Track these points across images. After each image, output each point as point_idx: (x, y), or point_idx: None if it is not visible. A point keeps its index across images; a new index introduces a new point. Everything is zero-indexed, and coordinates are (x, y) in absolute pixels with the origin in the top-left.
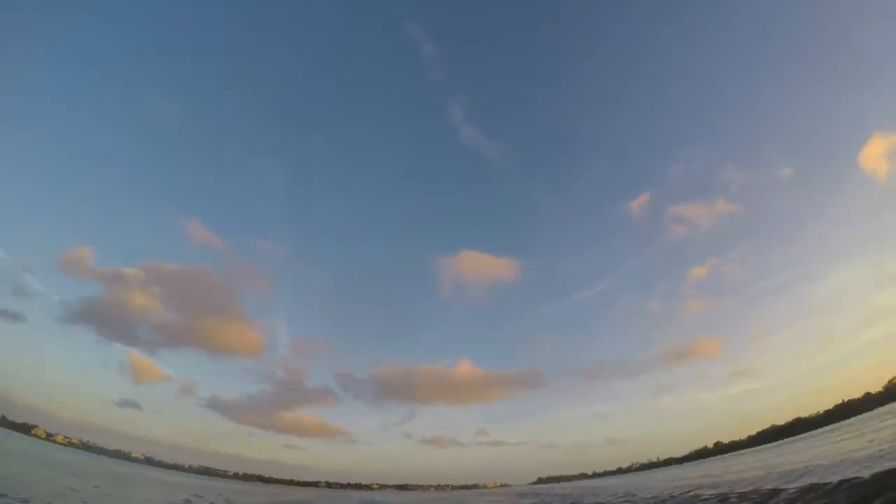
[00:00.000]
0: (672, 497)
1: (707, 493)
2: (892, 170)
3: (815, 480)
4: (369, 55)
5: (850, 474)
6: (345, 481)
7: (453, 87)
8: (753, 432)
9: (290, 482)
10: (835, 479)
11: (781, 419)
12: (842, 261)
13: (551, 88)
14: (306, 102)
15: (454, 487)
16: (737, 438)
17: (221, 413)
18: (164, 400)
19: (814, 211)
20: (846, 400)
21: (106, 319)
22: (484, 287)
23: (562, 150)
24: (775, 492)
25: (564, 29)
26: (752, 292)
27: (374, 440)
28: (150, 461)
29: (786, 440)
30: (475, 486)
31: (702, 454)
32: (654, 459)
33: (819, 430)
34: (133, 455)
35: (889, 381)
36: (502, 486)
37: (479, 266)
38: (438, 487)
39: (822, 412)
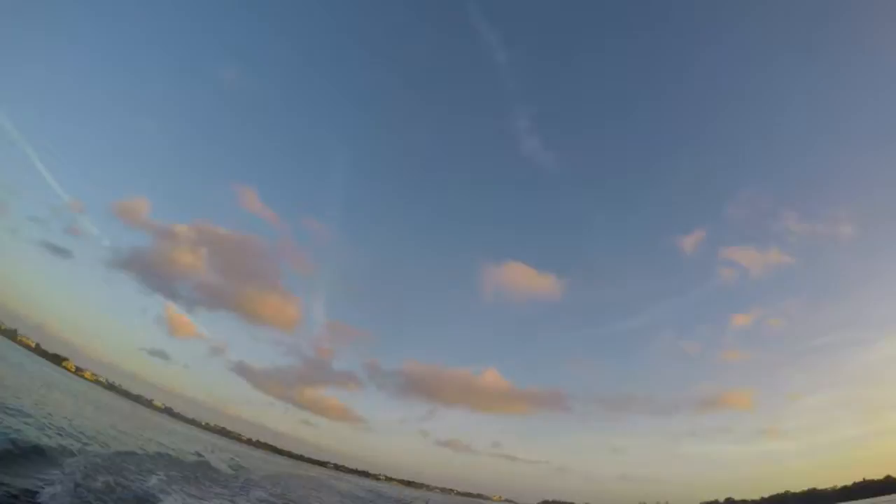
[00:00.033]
0: None
1: None
2: None
3: None
4: (443, 56)
5: None
6: (353, 466)
7: (522, 96)
8: (767, 494)
9: (300, 457)
10: None
11: (798, 486)
12: (892, 331)
13: (621, 110)
14: (376, 94)
15: (459, 493)
16: (748, 498)
17: (247, 379)
18: (193, 357)
19: (871, 274)
20: (866, 479)
21: (151, 270)
22: (524, 300)
23: (621, 174)
24: None
25: (642, 54)
26: (795, 349)
27: (389, 432)
28: (169, 412)
29: None
30: (480, 496)
31: None
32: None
33: None
34: (154, 403)
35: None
36: (507, 501)
37: (522, 279)
38: (444, 490)
39: (839, 487)
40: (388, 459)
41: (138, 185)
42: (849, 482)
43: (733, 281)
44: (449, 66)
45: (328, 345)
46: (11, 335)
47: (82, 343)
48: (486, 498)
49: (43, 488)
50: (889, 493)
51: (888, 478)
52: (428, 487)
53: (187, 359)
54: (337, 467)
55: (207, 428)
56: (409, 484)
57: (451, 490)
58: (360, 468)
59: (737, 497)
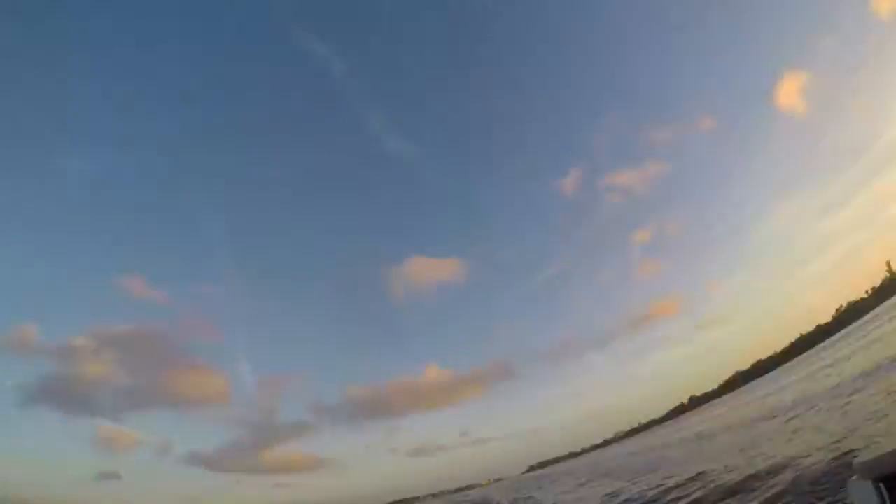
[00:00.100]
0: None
1: None
2: (808, 105)
3: None
4: (285, 85)
5: None
6: None
7: (369, 100)
8: (722, 381)
9: None
10: None
11: (746, 363)
12: (780, 199)
13: (466, 83)
14: (230, 142)
15: (450, 492)
16: (709, 389)
17: (204, 466)
18: (142, 465)
19: (743, 157)
20: (802, 335)
21: (65, 395)
22: (435, 290)
23: (485, 142)
24: None
25: (456, 17)
26: (699, 245)
27: (360, 462)
28: None
29: (749, 385)
30: (470, 487)
31: (679, 410)
32: (635, 425)
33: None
34: None
35: (836, 311)
36: (496, 480)
37: (425, 270)
38: (435, 495)
39: (778, 352)
40: (371, 489)
41: (19, 311)
42: (786, 343)
43: (622, 204)
44: (291, 91)
45: (268, 402)
46: None
47: (26, 496)
48: (478, 485)
49: None
50: (822, 340)
51: (818, 326)
52: (419, 499)
53: (137, 469)
54: None
55: None
56: (401, 503)
57: (443, 492)
58: None
59: (698, 393)
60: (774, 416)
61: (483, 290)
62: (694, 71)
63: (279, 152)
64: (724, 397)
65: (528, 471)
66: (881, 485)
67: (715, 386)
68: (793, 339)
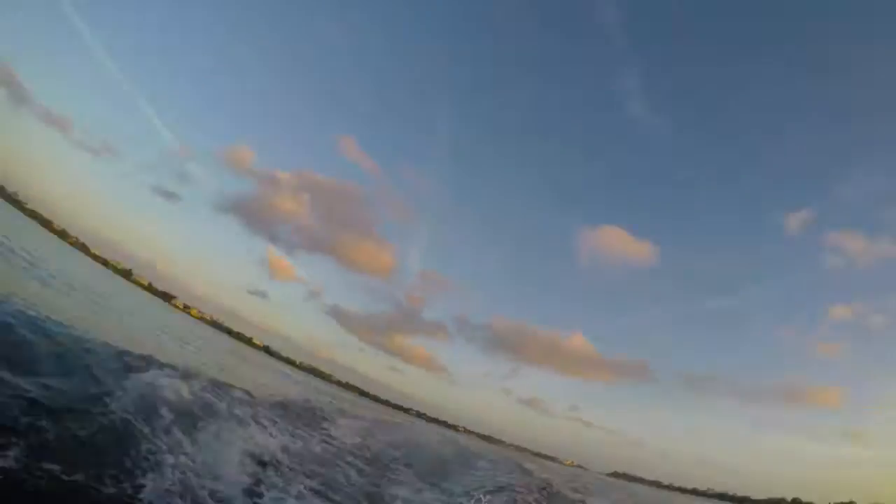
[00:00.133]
0: None
1: None
2: None
3: None
4: (548, 13)
5: None
6: (434, 416)
7: (631, 57)
8: (835, 501)
9: (385, 402)
10: None
11: (867, 498)
12: None
13: (736, 74)
14: (480, 50)
15: (533, 454)
16: (816, 501)
17: (340, 322)
18: (291, 298)
19: None
20: None
21: (254, 215)
22: (618, 266)
23: (730, 143)
24: None
25: (762, 14)
26: (893, 353)
27: (472, 386)
28: (267, 350)
29: None
30: (552, 459)
31: (777, 502)
32: (730, 493)
33: None
34: (253, 341)
35: None
36: (578, 466)
37: (617, 243)
38: (519, 449)
39: None
40: (469, 412)
41: (243, 133)
42: None
43: (837, 268)
44: (554, 21)
45: (420, 293)
46: (126, 275)
47: (187, 280)
48: (559, 461)
49: None
50: None
51: None
52: (504, 444)
53: (285, 299)
54: (419, 414)
55: (301, 367)
56: (486, 438)
57: (526, 449)
58: (441, 418)
59: (804, 499)
60: None
61: (662, 286)
62: None
63: (524, 79)
64: None
65: (611, 474)
66: None
67: (825, 502)
68: None
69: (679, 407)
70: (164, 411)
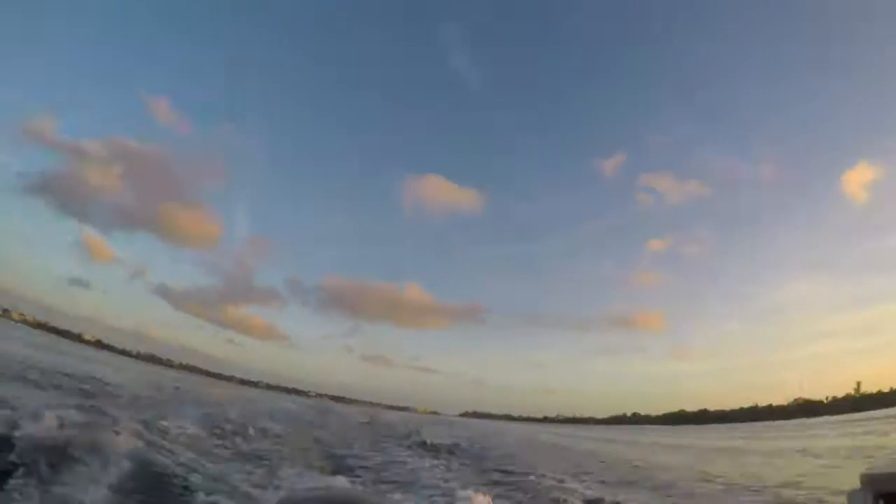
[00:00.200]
0: None
1: None
2: (869, 199)
3: None
4: None
5: None
6: (283, 385)
7: (452, 9)
8: (666, 411)
9: (232, 378)
10: None
11: (694, 405)
12: (802, 274)
13: (553, 28)
14: (298, 5)
15: (387, 407)
16: (651, 413)
17: (169, 301)
18: (113, 282)
19: (786, 215)
20: (754, 405)
21: (64, 193)
22: (444, 214)
23: (548, 92)
24: None
25: None
26: (706, 278)
27: (314, 349)
28: (99, 344)
29: (687, 426)
30: (406, 409)
31: (619, 420)
32: (576, 415)
33: (711, 426)
34: (84, 336)
35: (795, 399)
36: (432, 412)
37: (443, 192)
38: (372, 404)
39: (727, 409)
40: (315, 376)
41: (40, 100)
42: (737, 406)
43: (651, 206)
44: None
45: (250, 261)
46: None
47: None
48: (413, 410)
49: None
50: (769, 419)
51: (770, 406)
52: (357, 402)
53: (108, 285)
54: (269, 387)
55: (139, 357)
56: (338, 399)
57: (379, 404)
58: (291, 386)
59: (642, 412)
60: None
61: (489, 232)
62: (779, 115)
63: (342, 29)
64: (661, 427)
65: (462, 414)
66: (881, 501)
67: (660, 413)
68: (744, 406)
69: (515, 344)
70: None
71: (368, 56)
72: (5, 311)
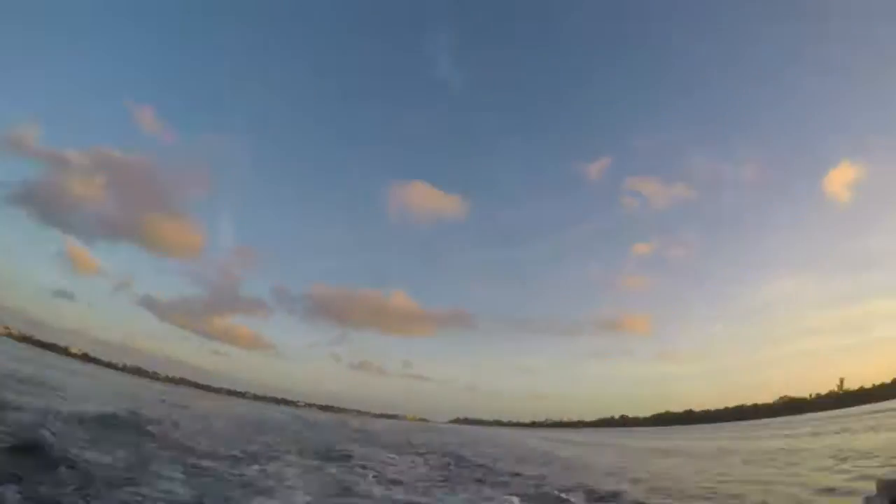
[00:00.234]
0: None
1: None
2: (852, 199)
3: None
4: None
5: None
6: (271, 395)
7: (440, 15)
8: (654, 412)
9: (220, 390)
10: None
11: (681, 406)
12: (786, 273)
13: (538, 34)
14: (284, 13)
15: (375, 415)
16: (639, 415)
17: (154, 312)
18: (98, 294)
19: (770, 216)
20: (740, 405)
21: (46, 203)
22: (429, 221)
23: (533, 98)
24: None
25: None
26: (692, 281)
27: (301, 358)
28: (86, 357)
29: (674, 427)
30: (395, 417)
31: (608, 423)
32: (565, 419)
33: (696, 426)
34: (70, 350)
35: (780, 397)
36: (421, 419)
37: (428, 199)
38: (360, 413)
39: (712, 409)
40: (303, 385)
41: (22, 109)
42: (728, 405)
43: (637, 210)
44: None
45: (235, 271)
46: None
47: None
48: (402, 418)
49: None
50: (756, 418)
51: (755, 405)
52: (345, 411)
53: (92, 296)
54: (256, 397)
55: (125, 370)
56: (326, 409)
57: (368, 413)
58: (279, 396)
59: (630, 415)
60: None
61: (475, 237)
62: (763, 118)
63: (331, 37)
64: (649, 429)
65: (453, 421)
66: None
67: (647, 414)
68: (729, 406)
69: (504, 349)
70: None
71: (353, 65)
72: None
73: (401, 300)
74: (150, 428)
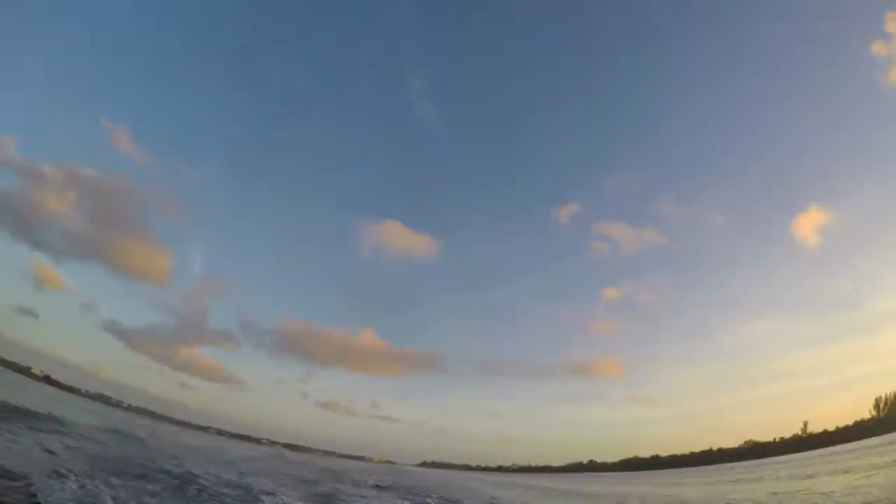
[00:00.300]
0: None
1: None
2: (821, 243)
3: None
4: (342, 20)
5: None
6: (235, 431)
7: (413, 55)
8: (622, 458)
9: (183, 423)
10: None
11: (649, 451)
12: (755, 316)
13: (511, 81)
14: (261, 43)
15: (341, 456)
16: (608, 460)
17: (120, 338)
18: (63, 314)
19: (739, 261)
20: (708, 448)
21: (16, 217)
22: (402, 261)
23: (505, 144)
24: None
25: (538, 26)
26: (662, 325)
27: (267, 393)
28: (48, 379)
29: (642, 472)
30: (361, 458)
31: (576, 468)
32: (532, 464)
33: (662, 471)
34: (33, 371)
35: (745, 441)
36: (388, 462)
37: (400, 238)
38: (326, 453)
39: (677, 454)
40: (268, 421)
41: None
42: (695, 449)
43: (607, 255)
44: (347, 28)
45: (204, 301)
46: None
47: None
48: (369, 459)
49: None
50: (720, 462)
51: (721, 449)
52: (310, 451)
53: (59, 317)
54: (219, 432)
55: (88, 395)
56: (291, 447)
57: (334, 453)
58: (243, 432)
59: (598, 460)
60: None
61: (445, 279)
62: (731, 164)
63: (309, 78)
64: (616, 474)
65: (421, 464)
66: None
67: (616, 460)
68: (695, 451)
69: (474, 393)
70: None
71: (329, 102)
72: None
73: (370, 339)
74: None
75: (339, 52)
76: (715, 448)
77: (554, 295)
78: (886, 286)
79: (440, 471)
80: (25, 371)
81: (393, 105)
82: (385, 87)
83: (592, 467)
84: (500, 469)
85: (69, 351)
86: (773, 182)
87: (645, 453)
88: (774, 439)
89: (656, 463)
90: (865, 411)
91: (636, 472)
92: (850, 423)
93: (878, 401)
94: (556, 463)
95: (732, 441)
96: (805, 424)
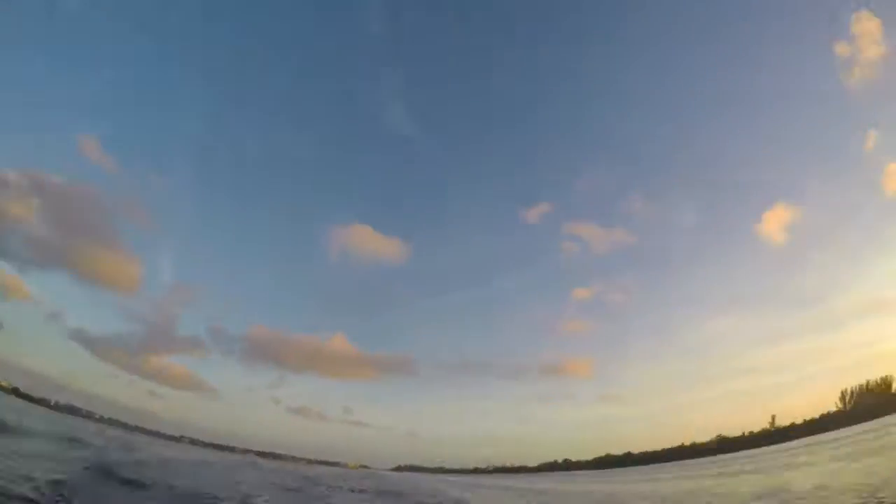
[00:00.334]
0: None
1: None
2: (787, 241)
3: None
4: (317, 20)
5: None
6: (208, 440)
7: (382, 58)
8: (595, 456)
9: (155, 433)
10: None
11: (623, 448)
12: (722, 312)
13: (480, 84)
14: (235, 42)
15: (314, 462)
16: (582, 459)
17: (87, 347)
18: (28, 323)
19: (706, 259)
20: (680, 444)
21: None
22: (371, 264)
23: (475, 142)
24: None
25: (508, 27)
26: (631, 325)
27: (239, 401)
28: (16, 392)
29: (615, 469)
30: (336, 464)
31: (551, 467)
32: (508, 465)
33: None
34: (1, 384)
35: (717, 436)
36: (362, 467)
37: (369, 242)
38: (298, 459)
39: (648, 451)
40: (241, 429)
41: None
42: (667, 445)
43: (576, 255)
44: (314, 28)
45: (173, 308)
46: None
47: None
48: (343, 465)
49: None
50: (692, 457)
51: (693, 444)
52: (283, 458)
53: (24, 326)
54: (192, 441)
55: (57, 407)
56: (265, 455)
57: (306, 459)
58: (216, 441)
59: (573, 458)
60: None
61: (415, 282)
62: (700, 163)
63: (279, 81)
64: (591, 472)
65: (395, 468)
66: None
67: (590, 458)
68: (666, 447)
69: (446, 394)
70: None
71: (298, 105)
72: None
73: (341, 344)
74: None
75: (306, 53)
76: (686, 444)
77: (524, 296)
78: (850, 282)
79: (413, 474)
80: None
81: (362, 107)
82: (355, 88)
83: (567, 466)
84: (475, 471)
85: (36, 362)
86: (741, 179)
87: (618, 451)
88: (744, 433)
89: (629, 460)
90: (832, 404)
91: (610, 470)
92: (817, 416)
93: (843, 393)
94: (531, 463)
95: (703, 436)
96: (773, 418)
